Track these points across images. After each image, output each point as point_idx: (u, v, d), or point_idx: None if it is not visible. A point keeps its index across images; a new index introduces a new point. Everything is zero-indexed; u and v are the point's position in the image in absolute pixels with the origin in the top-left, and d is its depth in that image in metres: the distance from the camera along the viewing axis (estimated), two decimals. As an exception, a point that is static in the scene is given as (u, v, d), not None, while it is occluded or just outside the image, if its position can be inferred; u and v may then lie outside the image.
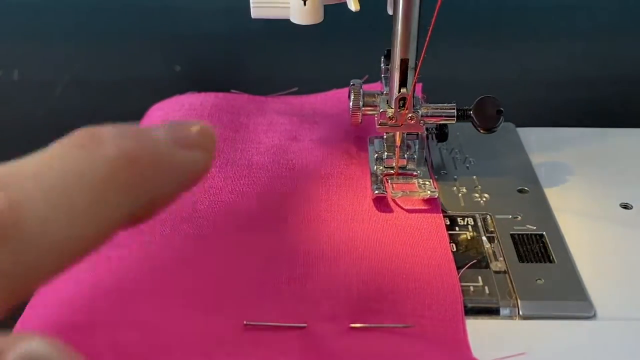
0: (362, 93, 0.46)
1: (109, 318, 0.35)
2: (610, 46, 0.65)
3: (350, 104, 0.46)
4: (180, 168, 0.25)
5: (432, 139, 0.50)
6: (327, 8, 0.44)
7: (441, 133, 0.49)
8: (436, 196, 0.44)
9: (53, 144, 0.22)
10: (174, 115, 0.55)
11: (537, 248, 0.41)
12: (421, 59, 0.42)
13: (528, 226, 0.43)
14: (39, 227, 0.20)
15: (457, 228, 0.43)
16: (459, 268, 0.39)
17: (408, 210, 0.44)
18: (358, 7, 0.42)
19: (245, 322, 0.35)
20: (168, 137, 0.25)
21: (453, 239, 0.42)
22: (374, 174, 0.47)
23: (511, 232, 0.43)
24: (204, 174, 0.26)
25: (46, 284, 0.21)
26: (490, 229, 0.43)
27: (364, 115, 0.46)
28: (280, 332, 0.35)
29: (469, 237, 0.42)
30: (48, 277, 0.21)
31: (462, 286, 0.38)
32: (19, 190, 0.20)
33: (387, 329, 0.35)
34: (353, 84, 0.46)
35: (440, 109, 0.45)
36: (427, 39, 0.39)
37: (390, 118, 0.45)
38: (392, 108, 0.45)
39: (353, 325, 0.35)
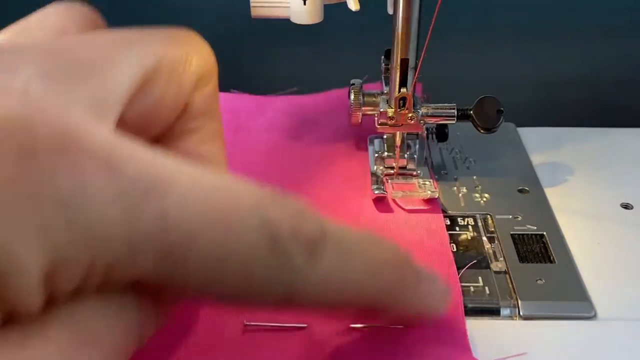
0: (362, 93, 0.46)
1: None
2: (610, 46, 0.65)
3: (350, 103, 0.46)
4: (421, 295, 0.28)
5: (432, 139, 0.50)
6: (327, 8, 0.44)
7: (441, 133, 0.49)
8: (436, 196, 0.44)
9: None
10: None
11: (538, 248, 0.41)
12: (421, 59, 0.42)
13: (528, 226, 0.43)
14: None
15: (457, 228, 0.43)
16: (459, 268, 0.39)
17: (408, 211, 0.44)
18: (358, 7, 0.42)
19: (245, 323, 0.35)
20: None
21: (453, 239, 0.42)
22: (374, 174, 0.47)
23: (511, 232, 0.43)
24: (440, 310, 0.28)
25: None
26: (490, 229, 0.43)
27: (364, 115, 0.46)
28: (280, 332, 0.35)
29: (469, 237, 0.42)
30: None
31: (462, 286, 0.38)
32: None
33: (387, 329, 0.35)
34: (353, 84, 0.46)
35: (440, 109, 0.45)
36: (427, 39, 0.39)
37: (390, 118, 0.45)
38: (392, 108, 0.44)
39: (353, 325, 0.35)
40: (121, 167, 0.19)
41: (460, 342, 0.34)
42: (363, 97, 0.46)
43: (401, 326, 0.35)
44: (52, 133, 0.18)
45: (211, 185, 0.21)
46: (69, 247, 0.18)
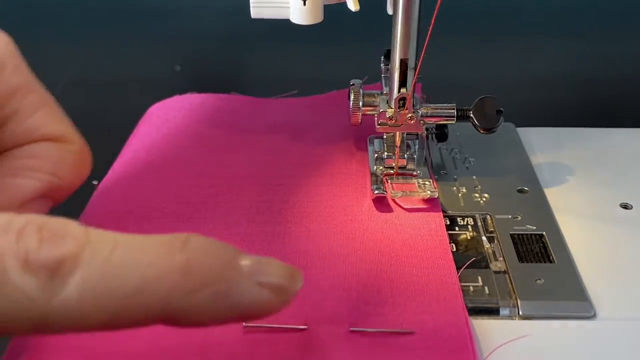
0: (362, 93, 0.46)
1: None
2: (610, 46, 0.65)
3: (350, 104, 0.46)
4: (240, 302, 0.25)
5: (432, 139, 0.50)
6: (327, 8, 0.44)
7: (441, 133, 0.49)
8: (436, 196, 0.44)
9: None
10: (174, 115, 0.55)
11: (537, 248, 0.41)
12: (421, 59, 0.42)
13: (528, 226, 0.43)
14: None
15: (457, 228, 0.43)
16: (458, 268, 0.39)
17: (408, 210, 0.44)
18: (358, 7, 0.42)
19: (244, 325, 0.35)
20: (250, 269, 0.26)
21: (453, 239, 0.42)
22: (373, 174, 0.47)
23: (511, 232, 0.43)
24: (266, 315, 0.26)
25: None
26: (490, 229, 0.43)
27: (364, 115, 0.46)
28: (280, 333, 0.35)
29: (468, 237, 0.42)
30: None
31: (462, 286, 0.38)
32: None
33: (388, 332, 0.35)
34: (353, 84, 0.46)
35: (440, 109, 0.45)
36: (427, 39, 0.39)
37: (390, 118, 0.45)
38: (392, 108, 0.45)
39: (353, 329, 0.35)
40: None
41: (463, 344, 0.34)
42: (363, 97, 0.46)
43: (403, 331, 0.35)
44: None
45: None
46: None
